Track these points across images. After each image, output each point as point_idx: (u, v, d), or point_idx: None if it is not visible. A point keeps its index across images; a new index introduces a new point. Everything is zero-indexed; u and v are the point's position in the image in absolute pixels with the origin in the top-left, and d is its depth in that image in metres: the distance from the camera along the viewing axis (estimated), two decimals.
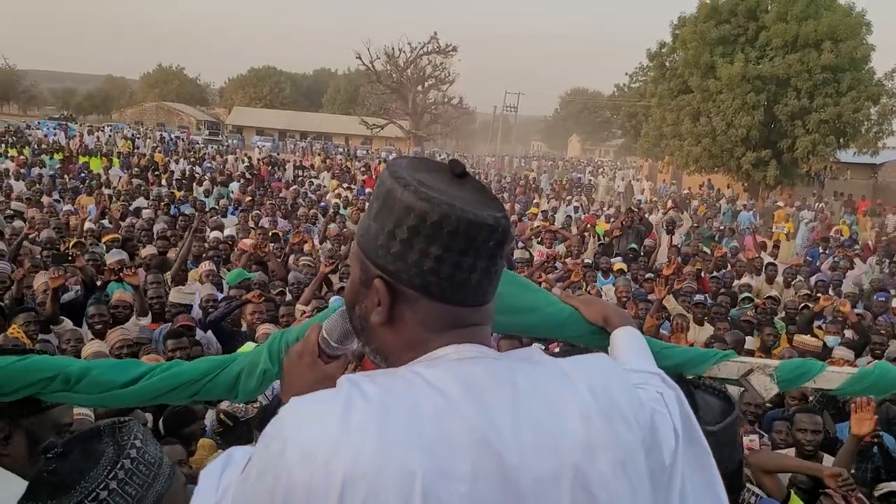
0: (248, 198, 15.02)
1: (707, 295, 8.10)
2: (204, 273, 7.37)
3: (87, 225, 9.64)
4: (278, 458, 0.91)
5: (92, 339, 5.38)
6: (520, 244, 10.86)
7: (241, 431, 3.94)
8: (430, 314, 1.02)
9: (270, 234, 10.21)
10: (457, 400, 0.95)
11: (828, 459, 4.17)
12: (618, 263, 9.64)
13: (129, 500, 1.26)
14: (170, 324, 5.96)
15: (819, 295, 8.13)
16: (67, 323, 5.71)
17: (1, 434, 1.69)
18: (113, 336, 5.15)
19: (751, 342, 6.53)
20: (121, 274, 6.16)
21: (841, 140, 24.20)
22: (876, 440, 4.03)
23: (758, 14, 24.77)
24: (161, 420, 3.87)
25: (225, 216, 12.55)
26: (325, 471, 0.88)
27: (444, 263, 0.98)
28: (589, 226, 12.84)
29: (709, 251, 11.40)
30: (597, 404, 1.02)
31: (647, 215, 15.23)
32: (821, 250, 13.40)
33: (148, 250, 8.50)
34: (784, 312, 7.99)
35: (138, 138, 35.56)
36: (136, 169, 18.95)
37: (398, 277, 1.00)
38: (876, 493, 3.67)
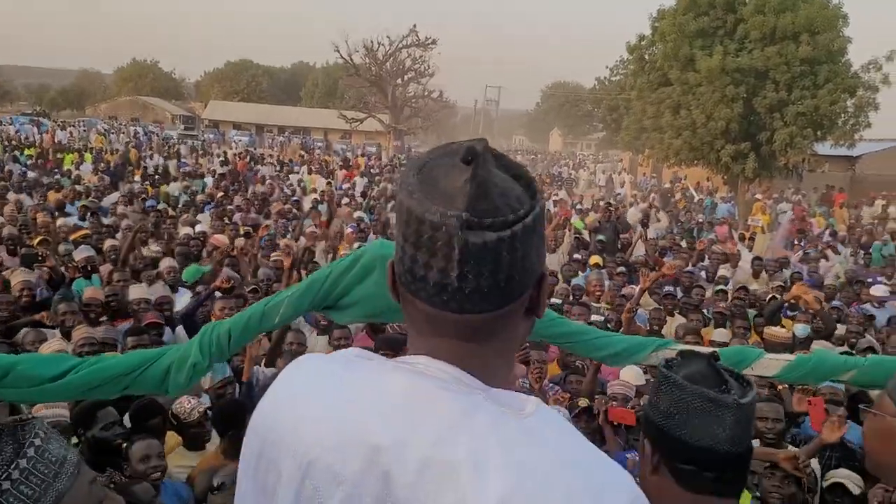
0: (221, 193, 14.89)
1: (678, 287, 8.13)
2: (165, 270, 7.29)
3: (60, 221, 9.50)
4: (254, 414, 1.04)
5: (54, 337, 5.25)
6: None
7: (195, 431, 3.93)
8: (410, 309, 0.97)
9: (243, 230, 10.13)
10: (385, 412, 0.90)
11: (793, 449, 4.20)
12: (594, 257, 9.69)
13: (24, 500, 1.22)
14: (131, 321, 5.89)
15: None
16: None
17: None
18: (78, 334, 5.05)
19: (724, 334, 6.56)
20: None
21: (818, 132, 24.40)
22: None
23: (736, 6, 24.91)
24: (128, 414, 3.83)
25: (202, 212, 12.45)
26: (254, 419, 1.04)
27: (405, 254, 0.92)
28: (564, 219, 12.85)
29: (685, 245, 11.46)
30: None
31: (627, 209, 15.34)
32: (795, 242, 13.51)
33: (109, 243, 8.36)
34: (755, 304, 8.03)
35: (112, 133, 35.11)
36: (107, 165, 18.68)
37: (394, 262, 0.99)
38: (824, 484, 3.69)
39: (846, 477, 3.66)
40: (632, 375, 4.91)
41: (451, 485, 0.83)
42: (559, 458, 0.86)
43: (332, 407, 0.94)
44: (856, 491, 3.62)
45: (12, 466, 1.24)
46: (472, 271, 0.88)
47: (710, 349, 1.56)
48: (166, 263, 7.45)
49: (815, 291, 7.34)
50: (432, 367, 0.93)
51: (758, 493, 3.48)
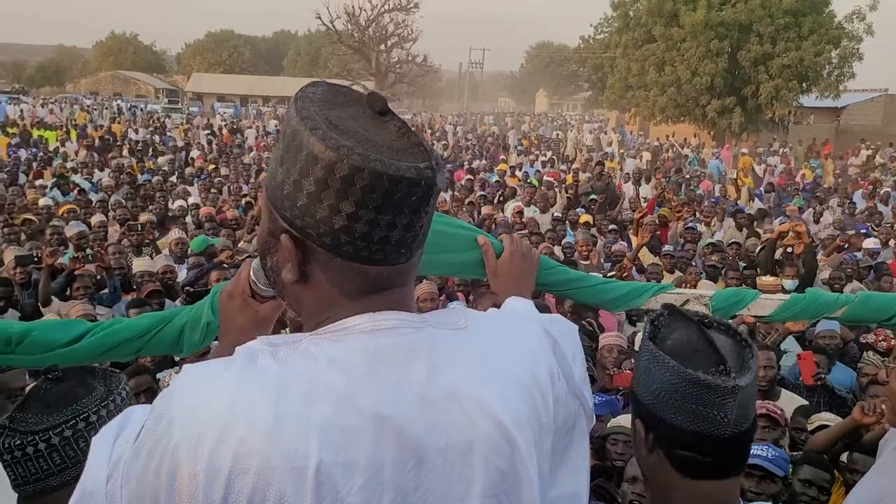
0: (212, 165, 14.81)
1: (682, 244, 8.26)
2: (173, 241, 7.29)
3: (42, 201, 9.43)
4: (165, 438, 0.83)
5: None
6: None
7: None
8: (345, 276, 0.91)
9: (245, 201, 10.14)
10: (361, 380, 0.87)
11: (786, 394, 4.29)
12: (583, 216, 9.76)
13: None
14: (134, 293, 5.92)
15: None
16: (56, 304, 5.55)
17: None
18: (74, 311, 5.07)
19: (716, 287, 6.66)
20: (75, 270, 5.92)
21: (803, 85, 24.43)
22: (819, 382, 4.43)
23: None
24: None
25: (191, 184, 12.41)
26: (210, 458, 0.81)
27: (358, 221, 0.86)
28: (555, 182, 12.89)
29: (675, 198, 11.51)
30: (522, 373, 0.97)
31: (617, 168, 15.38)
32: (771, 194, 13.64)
33: (97, 219, 8.34)
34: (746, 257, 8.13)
35: (95, 109, 34.64)
36: (92, 141, 18.49)
37: (306, 234, 0.89)
38: (809, 427, 3.75)
39: (830, 420, 3.71)
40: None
41: (458, 407, 0.91)
42: (528, 335, 1.05)
43: (346, 397, 0.87)
44: None
45: (107, 401, 1.45)
46: (429, 216, 0.94)
47: (710, 291, 1.60)
48: (175, 235, 7.44)
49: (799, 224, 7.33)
50: (385, 322, 0.92)
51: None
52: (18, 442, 1.36)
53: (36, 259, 5.95)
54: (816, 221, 10.85)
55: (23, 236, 7.53)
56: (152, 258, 6.87)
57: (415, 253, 0.95)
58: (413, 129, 0.95)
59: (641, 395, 1.20)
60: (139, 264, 6.32)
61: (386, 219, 0.87)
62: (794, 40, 23.47)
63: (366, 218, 0.87)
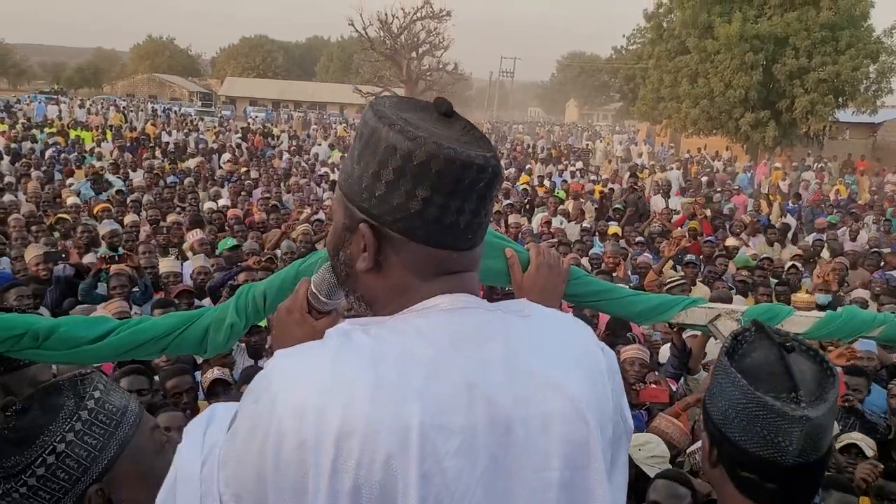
0: (243, 168, 14.96)
1: (699, 256, 8.13)
2: (196, 242, 7.36)
3: (71, 200, 9.58)
4: (268, 416, 0.88)
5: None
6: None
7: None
8: (418, 259, 0.98)
9: (270, 204, 10.23)
10: (449, 350, 0.93)
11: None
12: (612, 227, 9.69)
13: (90, 449, 1.26)
14: (162, 293, 5.97)
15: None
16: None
17: None
18: (111, 308, 5.11)
19: (746, 304, 6.55)
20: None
21: (840, 99, 24.02)
22: (848, 404, 4.18)
23: None
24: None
25: (221, 186, 12.56)
26: (317, 425, 0.86)
27: (431, 205, 0.94)
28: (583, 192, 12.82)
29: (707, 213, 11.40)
30: (585, 363, 1.03)
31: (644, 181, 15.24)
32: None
33: (129, 218, 8.45)
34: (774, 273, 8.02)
35: (130, 111, 35.25)
36: (127, 141, 18.80)
37: (383, 221, 0.97)
38: (837, 446, 3.67)
39: (860, 438, 3.67)
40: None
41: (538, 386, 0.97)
42: (583, 328, 1.10)
43: (441, 369, 0.92)
44: (869, 453, 3.63)
45: (74, 419, 1.27)
46: (491, 205, 1.02)
47: (742, 307, 1.56)
48: (197, 236, 7.51)
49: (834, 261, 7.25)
50: (461, 302, 0.99)
51: None
52: (1, 491, 1.24)
53: (63, 257, 6.05)
54: (853, 239, 10.65)
55: (55, 234, 7.65)
56: (178, 259, 6.94)
57: (479, 240, 1.02)
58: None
59: (711, 410, 1.20)
60: (165, 265, 6.37)
61: (456, 203, 0.95)
62: (830, 54, 23.09)
63: (438, 202, 0.94)
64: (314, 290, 1.19)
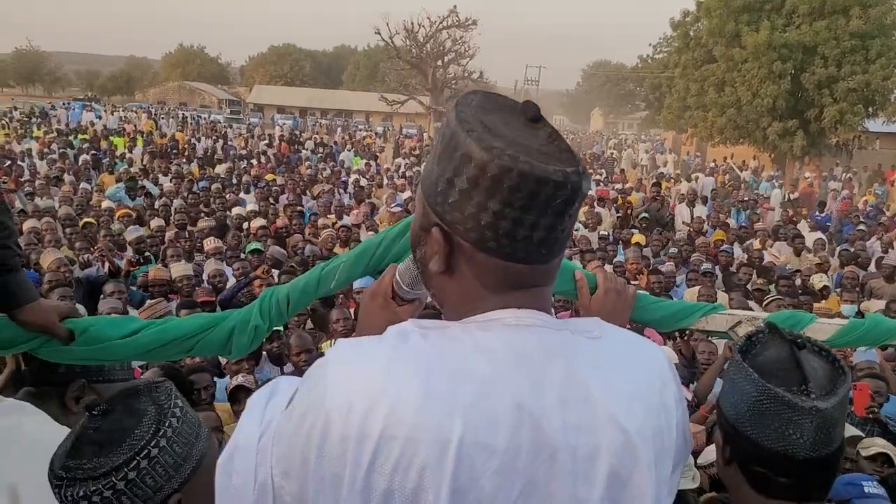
0: (270, 175, 15.12)
1: (717, 266, 8.10)
2: (211, 249, 7.47)
3: (105, 204, 9.76)
4: (319, 405, 0.91)
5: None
6: None
7: None
8: (488, 270, 0.96)
9: (297, 210, 10.33)
10: (505, 368, 0.92)
11: None
12: (635, 235, 9.62)
13: (176, 458, 1.28)
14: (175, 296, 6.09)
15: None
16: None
17: (77, 392, 1.73)
18: (154, 309, 5.17)
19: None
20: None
21: (869, 109, 23.65)
22: (872, 415, 4.18)
23: None
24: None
25: (248, 192, 12.70)
26: (361, 424, 0.87)
27: (504, 219, 0.91)
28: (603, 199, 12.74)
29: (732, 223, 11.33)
30: (647, 396, 0.99)
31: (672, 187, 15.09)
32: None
33: (156, 223, 8.59)
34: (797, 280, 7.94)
35: (161, 118, 35.80)
36: (156, 147, 19.09)
37: (454, 228, 0.94)
38: (864, 454, 3.60)
39: (884, 446, 3.60)
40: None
41: (589, 408, 0.94)
42: (658, 358, 1.05)
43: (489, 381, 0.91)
44: None
45: (165, 425, 1.29)
46: (572, 220, 0.97)
47: (763, 314, 1.56)
48: (213, 243, 7.64)
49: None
50: (528, 319, 0.97)
51: None
52: (82, 493, 1.23)
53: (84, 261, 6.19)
54: (885, 251, 10.47)
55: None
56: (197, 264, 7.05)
57: (556, 255, 0.99)
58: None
59: (724, 407, 1.22)
60: (177, 269, 6.45)
61: (530, 218, 0.91)
62: (860, 63, 22.74)
63: (511, 216, 0.91)
64: (398, 278, 1.20)
